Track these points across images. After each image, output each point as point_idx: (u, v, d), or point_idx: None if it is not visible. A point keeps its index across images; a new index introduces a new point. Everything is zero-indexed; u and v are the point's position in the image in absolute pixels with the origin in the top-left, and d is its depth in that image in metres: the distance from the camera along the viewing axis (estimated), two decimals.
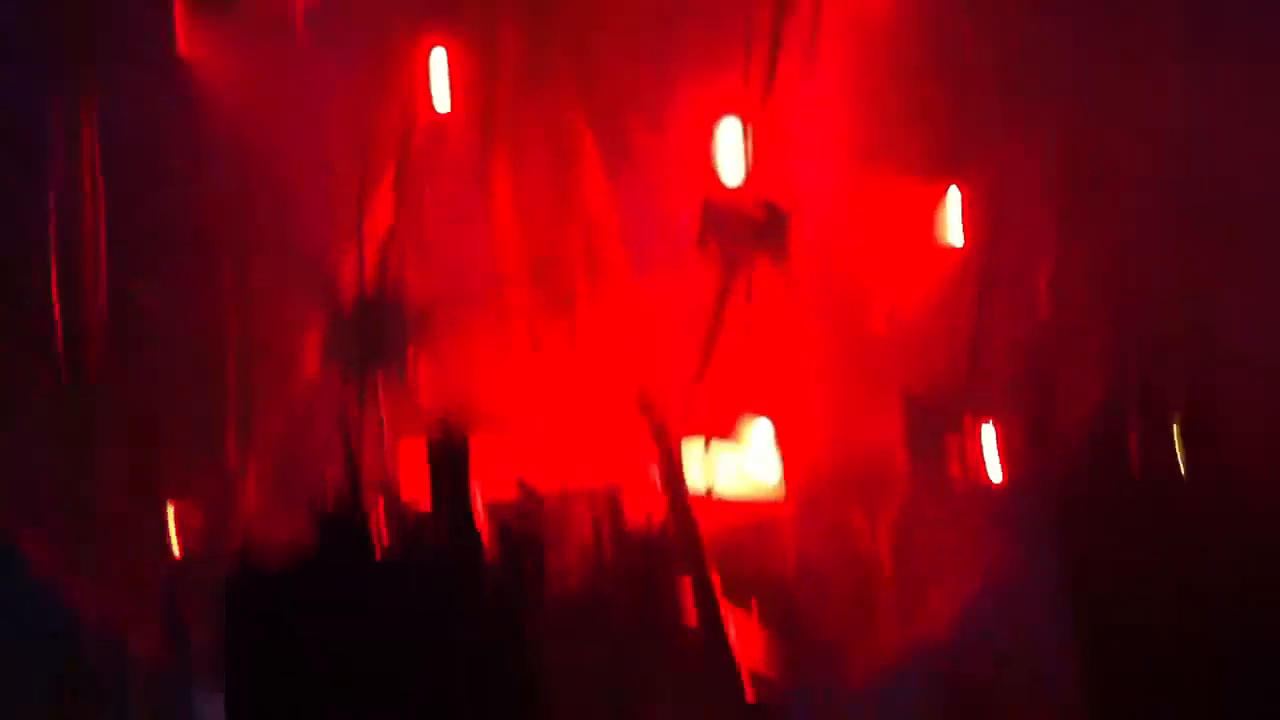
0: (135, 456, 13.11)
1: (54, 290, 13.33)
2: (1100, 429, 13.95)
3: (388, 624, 10.01)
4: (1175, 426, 15.23)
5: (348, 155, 13.79)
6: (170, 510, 13.18)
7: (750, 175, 13.14)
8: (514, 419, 13.16)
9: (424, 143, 13.47)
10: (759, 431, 14.77)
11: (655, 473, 13.01)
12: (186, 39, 13.46)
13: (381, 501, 10.97)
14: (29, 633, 14.31)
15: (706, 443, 13.36)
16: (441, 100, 13.47)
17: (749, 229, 12.98)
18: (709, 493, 13.05)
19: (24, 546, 13.19)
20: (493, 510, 12.59)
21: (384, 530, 10.32)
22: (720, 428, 13.80)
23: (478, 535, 10.29)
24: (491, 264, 13.78)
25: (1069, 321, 13.70)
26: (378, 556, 10.19)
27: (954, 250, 14.07)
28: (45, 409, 13.28)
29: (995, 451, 13.19)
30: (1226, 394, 14.06)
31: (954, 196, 14.25)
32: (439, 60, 13.53)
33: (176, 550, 13.15)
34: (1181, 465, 14.02)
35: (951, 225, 14.25)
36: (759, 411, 14.68)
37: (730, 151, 13.40)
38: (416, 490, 11.26)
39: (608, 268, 13.68)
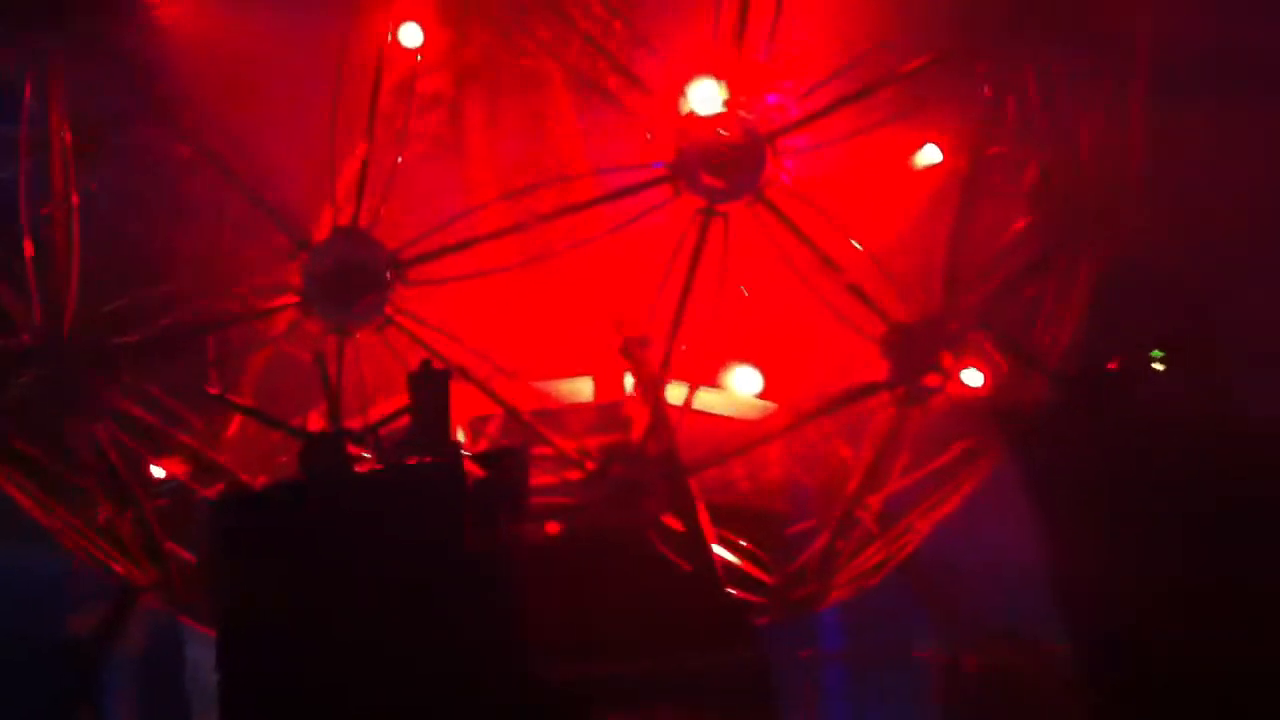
0: None
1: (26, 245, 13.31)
2: (1080, 356, 13.98)
3: (369, 540, 9.93)
4: (1157, 357, 15.21)
5: (320, 99, 13.78)
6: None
7: (726, 109, 13.09)
8: (495, 358, 13.12)
9: (396, 83, 13.41)
10: (742, 372, 14.80)
11: (636, 390, 12.98)
12: None
13: (361, 424, 10.91)
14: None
15: (691, 385, 13.31)
16: (413, 41, 13.42)
17: (725, 159, 12.92)
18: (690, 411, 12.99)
19: None
20: (474, 426, 12.60)
21: (364, 450, 10.25)
22: (703, 369, 13.79)
23: (458, 449, 10.22)
24: (467, 207, 13.78)
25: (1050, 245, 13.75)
26: (357, 473, 10.11)
27: (931, 180, 14.11)
28: None
29: (974, 376, 13.16)
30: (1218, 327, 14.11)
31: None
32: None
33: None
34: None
35: (929, 158, 14.29)
36: (741, 351, 14.72)
37: (704, 90, 13.36)
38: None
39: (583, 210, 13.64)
